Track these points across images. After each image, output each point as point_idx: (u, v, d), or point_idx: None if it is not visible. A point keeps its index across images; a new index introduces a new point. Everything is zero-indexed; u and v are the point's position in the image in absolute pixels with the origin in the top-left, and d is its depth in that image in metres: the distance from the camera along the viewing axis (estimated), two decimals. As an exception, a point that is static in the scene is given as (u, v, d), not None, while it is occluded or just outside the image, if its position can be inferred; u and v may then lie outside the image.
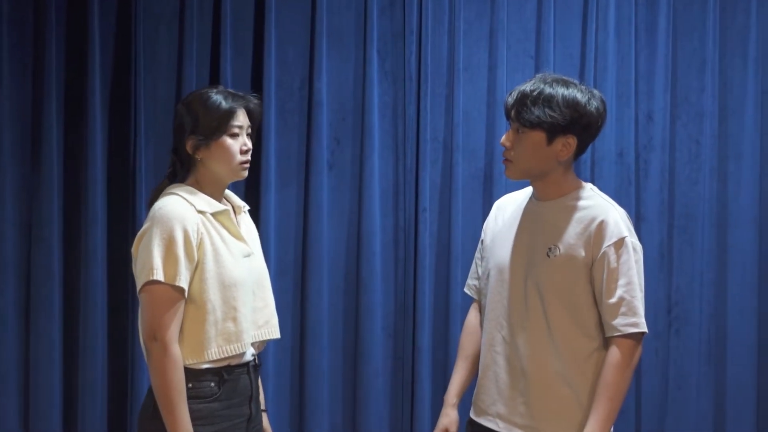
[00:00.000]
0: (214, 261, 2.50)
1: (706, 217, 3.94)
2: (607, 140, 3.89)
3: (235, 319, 2.51)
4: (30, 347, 3.71)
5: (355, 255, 3.85)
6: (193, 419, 2.43)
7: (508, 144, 2.47)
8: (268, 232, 3.79)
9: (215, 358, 2.48)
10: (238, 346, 2.51)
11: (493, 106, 3.87)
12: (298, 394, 3.84)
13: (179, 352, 2.43)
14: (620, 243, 2.43)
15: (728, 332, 3.95)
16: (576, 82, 2.49)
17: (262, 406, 2.71)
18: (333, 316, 3.85)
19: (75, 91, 3.76)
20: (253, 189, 3.81)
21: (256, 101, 2.63)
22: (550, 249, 2.46)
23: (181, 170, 2.59)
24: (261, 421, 2.64)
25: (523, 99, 2.43)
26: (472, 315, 2.72)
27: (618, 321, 2.42)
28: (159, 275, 2.41)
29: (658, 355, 3.92)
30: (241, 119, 2.57)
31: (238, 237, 2.58)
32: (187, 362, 2.45)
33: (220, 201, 2.62)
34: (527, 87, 2.45)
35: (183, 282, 2.43)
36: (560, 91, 2.42)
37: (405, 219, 3.87)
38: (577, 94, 2.43)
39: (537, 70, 3.89)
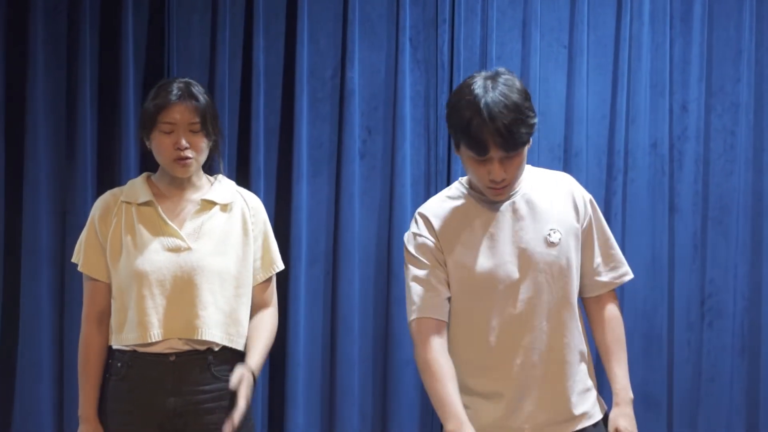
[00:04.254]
0: (118, 250, 2.62)
1: (741, 208, 3.90)
2: (641, 131, 3.86)
3: (131, 310, 2.60)
4: (64, 335, 3.74)
5: (386, 244, 3.85)
6: (106, 391, 2.64)
7: (504, 176, 2.30)
8: (299, 221, 3.80)
9: (111, 343, 2.65)
10: (131, 336, 2.60)
11: (526, 96, 3.86)
12: (328, 382, 3.85)
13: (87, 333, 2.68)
14: (592, 202, 2.47)
15: (762, 325, 3.91)
16: (493, 71, 2.32)
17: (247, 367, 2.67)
18: (364, 304, 3.86)
19: (108, 82, 3.78)
20: (284, 178, 3.83)
21: (201, 98, 2.63)
22: (549, 235, 2.40)
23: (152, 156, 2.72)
24: (197, 417, 2.62)
25: (508, 129, 2.22)
26: (441, 343, 2.39)
27: (613, 274, 2.48)
28: (75, 258, 2.72)
29: (691, 347, 3.89)
30: (176, 116, 2.59)
31: (164, 230, 2.61)
32: (109, 341, 2.67)
33: (184, 191, 2.68)
34: (498, 119, 2.21)
35: (83, 267, 2.67)
36: (512, 95, 2.25)
37: (436, 209, 3.87)
38: (515, 83, 2.30)
39: (570, 59, 3.87)
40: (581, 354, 2.45)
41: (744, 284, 3.90)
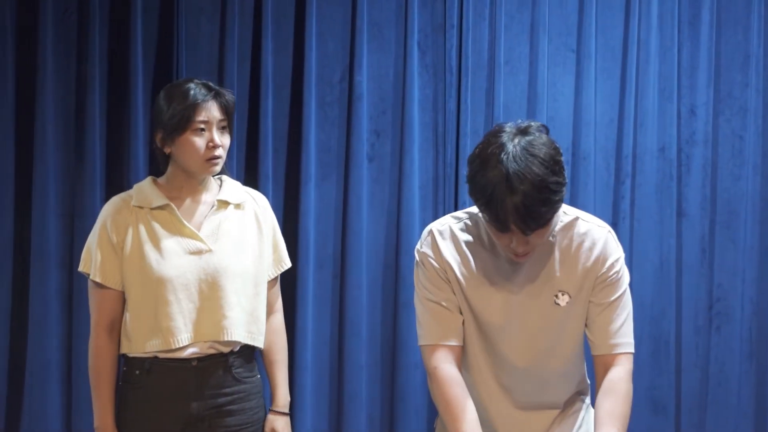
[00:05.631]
0: (138, 256, 2.57)
1: (749, 213, 3.90)
2: (649, 135, 3.86)
3: (155, 316, 2.56)
4: (72, 337, 3.75)
5: (394, 248, 3.85)
6: (123, 400, 2.61)
7: (527, 249, 2.20)
8: (307, 224, 3.80)
9: (127, 352, 2.60)
10: (155, 343, 2.56)
11: (534, 101, 3.86)
12: (336, 386, 3.85)
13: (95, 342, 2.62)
14: (618, 262, 2.34)
15: (771, 329, 3.92)
16: (523, 127, 2.17)
17: (281, 408, 2.74)
18: (371, 308, 3.86)
19: (117, 85, 3.79)
20: (292, 181, 3.84)
21: (228, 95, 2.63)
22: (556, 296, 2.31)
23: (162, 161, 2.67)
24: (219, 420, 2.63)
25: (530, 210, 2.09)
26: (457, 374, 2.32)
27: (629, 338, 2.34)
28: (83, 267, 2.65)
29: (699, 351, 3.88)
30: (209, 114, 2.57)
31: (183, 233, 2.60)
32: (122, 350, 2.63)
33: (196, 194, 2.65)
34: (517, 197, 2.06)
35: (97, 276, 2.59)
36: (536, 168, 2.08)
37: (444, 213, 3.86)
38: (542, 148, 2.12)
39: (578, 63, 3.87)
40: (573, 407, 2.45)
41: (752, 289, 3.89)
